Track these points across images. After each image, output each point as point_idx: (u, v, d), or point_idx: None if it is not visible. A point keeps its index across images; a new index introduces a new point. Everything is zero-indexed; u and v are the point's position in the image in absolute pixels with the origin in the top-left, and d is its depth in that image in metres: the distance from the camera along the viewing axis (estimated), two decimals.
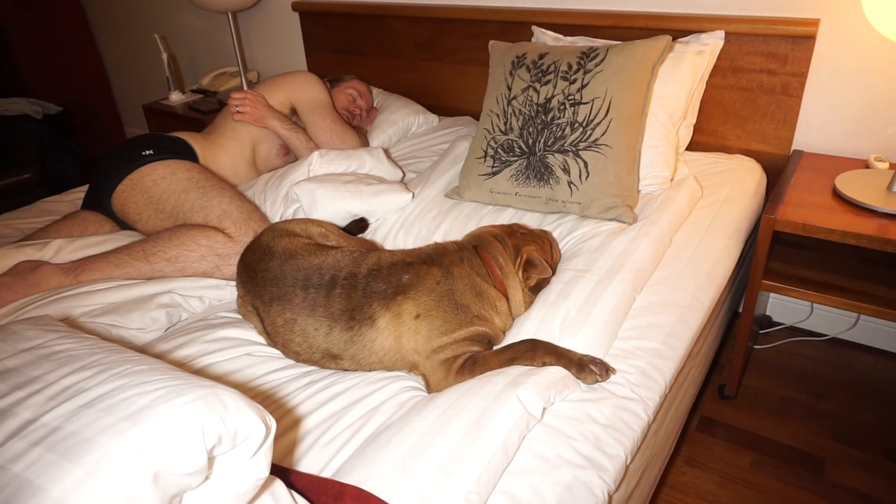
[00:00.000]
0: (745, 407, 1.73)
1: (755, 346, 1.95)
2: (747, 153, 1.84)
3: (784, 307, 2.00)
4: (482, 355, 1.11)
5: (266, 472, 0.72)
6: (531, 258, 1.24)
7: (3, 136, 2.74)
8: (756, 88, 1.76)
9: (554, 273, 1.33)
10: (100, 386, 0.70)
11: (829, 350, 1.92)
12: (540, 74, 1.58)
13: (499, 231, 1.31)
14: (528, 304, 1.26)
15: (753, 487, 1.50)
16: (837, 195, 1.50)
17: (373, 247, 1.48)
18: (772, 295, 1.98)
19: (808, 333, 1.97)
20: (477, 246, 1.27)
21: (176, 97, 2.84)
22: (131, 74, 3.67)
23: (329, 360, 1.16)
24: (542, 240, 1.35)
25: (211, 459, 0.67)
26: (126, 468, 0.59)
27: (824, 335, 1.95)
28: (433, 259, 1.21)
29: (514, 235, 1.31)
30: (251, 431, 0.69)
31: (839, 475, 1.52)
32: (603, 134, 1.49)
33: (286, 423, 1.03)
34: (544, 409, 1.00)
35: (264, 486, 0.76)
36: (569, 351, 1.09)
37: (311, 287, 1.17)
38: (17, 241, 1.57)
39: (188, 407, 0.65)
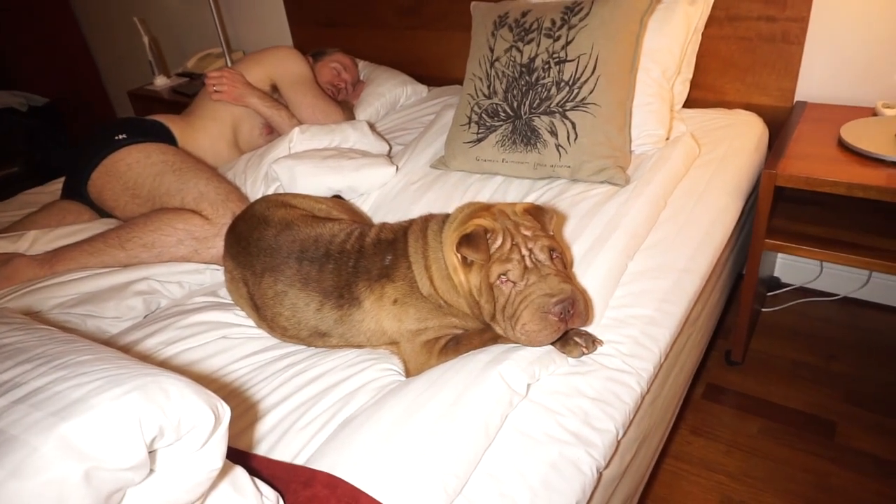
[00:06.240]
0: (752, 372, 1.67)
1: (763, 309, 1.88)
2: (748, 107, 1.75)
3: (793, 267, 1.92)
4: (465, 335, 1.06)
5: (219, 462, 0.67)
6: (472, 232, 0.97)
7: None
8: (755, 37, 1.66)
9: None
10: (36, 380, 0.65)
11: (840, 310, 1.84)
12: (523, 33, 1.50)
13: (476, 208, 1.07)
14: (473, 302, 1.01)
15: (762, 455, 1.44)
16: (843, 146, 1.42)
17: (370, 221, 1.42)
18: (780, 255, 1.90)
19: (819, 294, 1.89)
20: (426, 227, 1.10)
21: (161, 81, 2.78)
22: (119, 61, 3.60)
23: (316, 337, 1.11)
24: (522, 237, 0.99)
25: (153, 453, 0.62)
26: (53, 466, 0.55)
27: (835, 295, 1.87)
28: (401, 241, 1.10)
29: (491, 216, 1.02)
30: (197, 421, 0.64)
31: (851, 438, 1.45)
32: (590, 92, 1.41)
33: (261, 408, 0.98)
34: (529, 385, 0.95)
35: (223, 475, 0.72)
36: None
37: (306, 260, 1.12)
38: None
39: (124, 398, 0.60)
